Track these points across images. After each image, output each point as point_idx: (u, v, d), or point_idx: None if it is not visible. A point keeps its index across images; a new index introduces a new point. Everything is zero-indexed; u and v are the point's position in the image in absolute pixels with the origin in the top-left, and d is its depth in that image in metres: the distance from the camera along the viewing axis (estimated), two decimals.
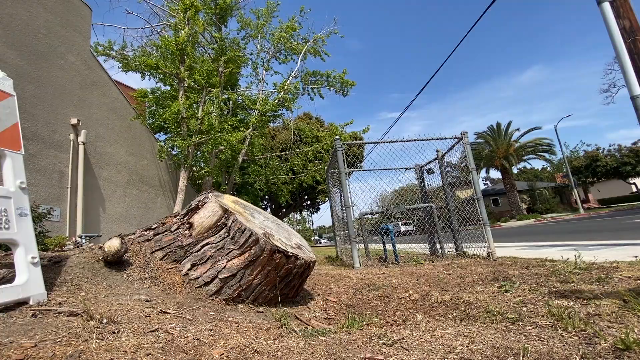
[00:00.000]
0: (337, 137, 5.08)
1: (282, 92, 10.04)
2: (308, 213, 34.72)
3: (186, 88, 8.33)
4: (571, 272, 2.40)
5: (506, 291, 2.07)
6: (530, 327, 1.39)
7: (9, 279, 1.59)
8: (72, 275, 1.83)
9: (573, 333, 1.26)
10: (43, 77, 5.76)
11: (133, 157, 7.90)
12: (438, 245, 5.03)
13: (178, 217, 2.46)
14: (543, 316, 1.49)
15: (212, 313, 1.77)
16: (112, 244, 1.97)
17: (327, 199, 15.52)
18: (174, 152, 9.50)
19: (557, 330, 1.31)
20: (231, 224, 2.22)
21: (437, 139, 4.99)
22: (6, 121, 1.61)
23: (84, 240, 4.97)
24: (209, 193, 2.53)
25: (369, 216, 5.66)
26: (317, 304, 2.44)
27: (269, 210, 21.94)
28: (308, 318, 2.03)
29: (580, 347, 1.14)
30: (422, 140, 4.93)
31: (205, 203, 2.41)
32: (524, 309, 1.64)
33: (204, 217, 2.32)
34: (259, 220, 2.49)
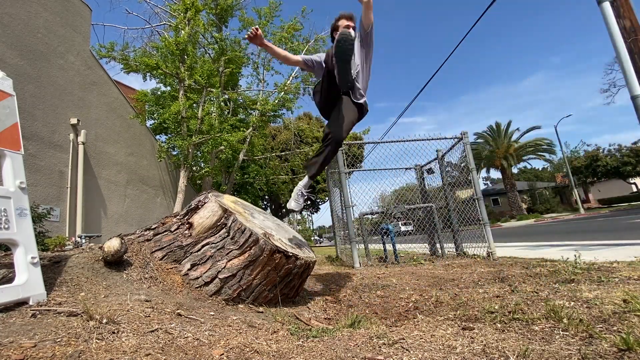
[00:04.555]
0: None
1: (283, 92, 10.04)
2: (308, 213, 34.72)
3: (186, 88, 8.33)
4: (571, 272, 2.40)
5: (506, 291, 2.07)
6: (530, 327, 1.39)
7: (9, 279, 1.59)
8: (72, 275, 1.82)
9: (573, 333, 1.26)
10: (43, 77, 5.76)
11: (133, 157, 7.90)
12: (438, 245, 5.03)
13: (178, 217, 2.46)
14: (543, 316, 1.49)
15: (212, 313, 1.77)
16: (112, 244, 1.97)
17: (327, 199, 15.52)
18: (174, 152, 9.50)
19: (557, 330, 1.31)
20: (231, 223, 2.22)
21: (437, 139, 4.99)
22: (6, 121, 1.61)
23: (83, 241, 4.97)
24: (208, 193, 2.53)
25: (369, 216, 5.66)
26: (317, 304, 2.43)
27: (269, 210, 21.95)
28: (308, 318, 2.02)
29: (580, 347, 1.13)
30: (422, 140, 4.93)
31: (205, 203, 2.41)
32: (524, 309, 1.64)
33: (204, 217, 2.32)
34: (258, 220, 2.49)
